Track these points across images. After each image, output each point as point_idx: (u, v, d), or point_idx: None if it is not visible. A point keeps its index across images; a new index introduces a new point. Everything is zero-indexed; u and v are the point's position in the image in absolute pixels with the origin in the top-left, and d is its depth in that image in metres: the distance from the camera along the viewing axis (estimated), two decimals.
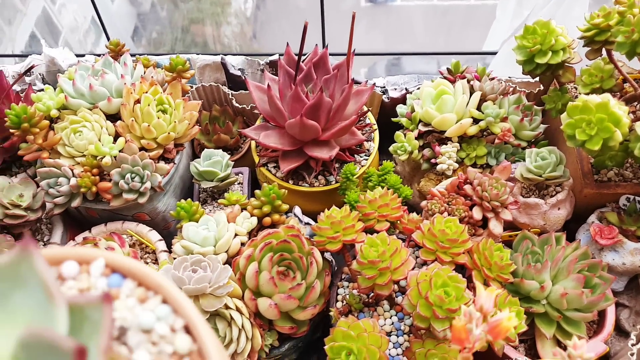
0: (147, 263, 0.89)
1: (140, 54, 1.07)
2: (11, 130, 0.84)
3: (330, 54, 1.59)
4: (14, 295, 0.26)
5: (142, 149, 0.89)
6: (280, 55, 1.14)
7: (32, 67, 0.97)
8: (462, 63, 1.01)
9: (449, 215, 0.78)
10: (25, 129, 0.83)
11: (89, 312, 0.26)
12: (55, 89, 0.95)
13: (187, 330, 0.29)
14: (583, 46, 0.86)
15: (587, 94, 0.83)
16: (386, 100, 1.08)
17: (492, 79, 0.96)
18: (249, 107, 1.09)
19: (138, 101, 0.89)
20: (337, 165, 0.96)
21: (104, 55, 0.99)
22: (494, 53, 1.75)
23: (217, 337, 0.68)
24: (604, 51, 0.84)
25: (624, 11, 0.78)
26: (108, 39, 1.50)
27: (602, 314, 0.79)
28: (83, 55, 1.17)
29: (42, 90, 0.97)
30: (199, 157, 1.01)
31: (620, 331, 0.86)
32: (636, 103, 0.92)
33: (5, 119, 0.84)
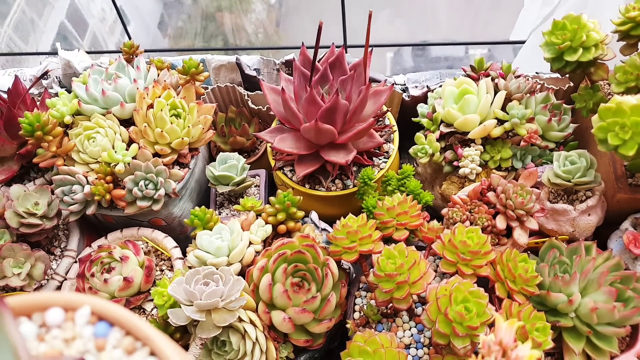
0: (162, 270, 0.88)
1: (160, 50, 1.06)
2: (26, 138, 0.84)
3: (352, 46, 1.56)
4: None
5: (155, 154, 0.88)
6: (297, 51, 1.11)
7: (46, 72, 0.96)
8: (485, 52, 0.96)
9: (471, 224, 0.74)
10: (39, 137, 0.83)
11: None
12: (68, 92, 0.95)
13: None
14: (617, 41, 0.80)
15: (621, 93, 0.78)
16: (407, 98, 1.04)
17: (518, 76, 0.91)
18: (265, 109, 1.06)
19: (151, 106, 0.87)
20: (354, 168, 0.93)
21: (118, 57, 0.98)
22: (522, 42, 1.68)
23: None
24: None
25: None
26: (128, 34, 1.50)
27: (635, 327, 0.74)
28: (104, 52, 1.16)
29: (57, 94, 0.97)
30: (216, 160, 0.99)
31: None
32: None
33: (21, 126, 0.84)
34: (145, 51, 1.02)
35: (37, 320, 0.29)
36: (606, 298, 0.68)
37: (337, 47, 0.91)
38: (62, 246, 0.92)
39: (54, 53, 1.13)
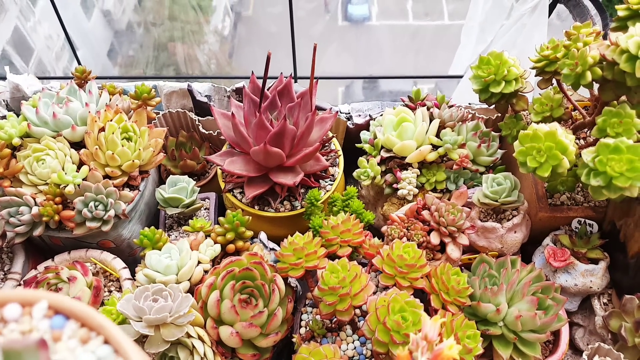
0: (110, 291, 0.88)
1: (111, 77, 1.08)
2: None
3: (301, 77, 1.62)
4: None
5: (106, 176, 0.89)
6: (248, 80, 1.16)
7: None
8: (432, 86, 1.05)
9: (408, 240, 0.80)
10: None
11: (26, 356, 0.26)
12: (19, 116, 0.95)
13: None
14: (535, 76, 0.90)
15: (539, 122, 0.88)
16: (351, 126, 1.11)
17: (451, 106, 0.99)
18: (216, 133, 1.10)
19: (102, 129, 0.89)
20: (302, 190, 0.98)
21: (69, 81, 0.99)
22: (460, 77, 1.81)
23: None
24: (554, 81, 0.89)
25: (570, 45, 0.82)
26: (78, 60, 1.50)
27: (557, 334, 0.81)
28: (53, 78, 1.16)
29: (5, 117, 0.97)
30: (165, 183, 1.01)
31: (576, 350, 0.89)
32: (586, 129, 0.97)
33: None
34: (104, 78, 1.04)
35: None
36: (529, 306, 0.75)
37: (285, 77, 0.97)
38: (5, 269, 0.90)
39: (1, 78, 1.13)
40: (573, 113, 0.93)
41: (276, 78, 0.99)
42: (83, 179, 0.86)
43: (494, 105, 0.93)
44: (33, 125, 0.91)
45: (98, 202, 0.85)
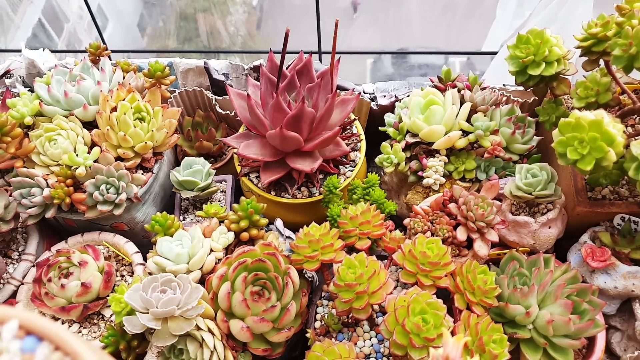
0: (123, 276, 0.86)
1: (139, 51, 1.04)
2: None
3: (325, 53, 1.55)
4: None
5: (118, 158, 0.86)
6: (264, 57, 1.11)
7: (8, 72, 0.94)
8: (463, 59, 0.97)
9: (432, 234, 0.75)
10: None
11: None
12: (31, 92, 0.92)
13: None
14: (580, 56, 0.82)
15: (582, 108, 0.80)
16: (375, 107, 1.05)
17: (484, 88, 0.92)
18: (233, 114, 1.06)
19: (115, 109, 0.86)
20: (320, 176, 0.93)
21: (83, 58, 0.96)
22: (494, 53, 1.71)
23: None
24: (602, 62, 0.81)
25: (623, 22, 0.74)
26: (100, 34, 1.47)
27: (592, 339, 0.75)
28: (68, 52, 1.13)
29: (19, 95, 0.95)
30: (181, 165, 0.97)
31: (611, 354, 0.83)
32: (636, 116, 0.88)
33: None
34: (122, 51, 1.00)
35: None
36: (562, 310, 0.69)
37: (313, 53, 0.91)
38: (19, 250, 0.89)
39: (18, 51, 1.10)
40: (621, 97, 0.85)
41: (298, 54, 0.93)
42: (94, 161, 0.83)
43: (531, 89, 0.85)
44: (45, 104, 0.88)
45: (109, 185, 0.83)
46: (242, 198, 0.83)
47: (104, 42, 1.52)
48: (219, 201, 1.01)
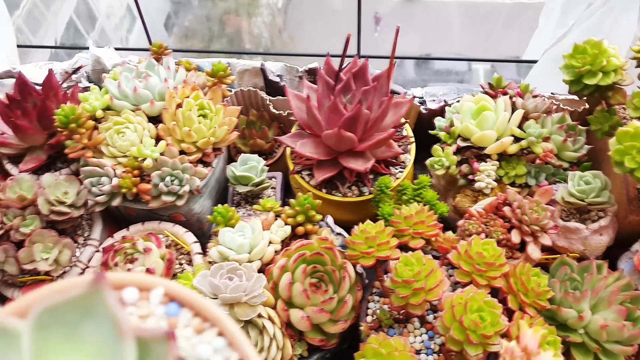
0: (181, 264, 0.91)
1: (183, 50, 1.09)
2: (59, 130, 0.86)
3: (362, 57, 1.58)
4: (83, 326, 0.27)
5: (181, 152, 0.91)
6: (315, 58, 1.14)
7: (80, 68, 0.99)
8: (496, 69, 1.00)
9: (486, 236, 0.77)
10: (73, 129, 0.85)
11: (153, 346, 0.26)
12: (98, 88, 0.97)
13: None
14: (636, 67, 0.84)
15: (637, 118, 0.81)
16: (424, 111, 1.07)
17: (536, 96, 0.94)
18: (286, 114, 1.09)
19: (180, 105, 0.90)
20: (371, 176, 0.96)
21: (147, 56, 1.01)
22: (533, 62, 1.72)
23: None
24: None
25: None
26: (147, 34, 1.53)
27: None
28: (127, 50, 1.19)
29: (87, 88, 1.00)
30: (234, 160, 1.02)
31: None
32: None
33: (54, 117, 0.87)
34: (145, 50, 1.04)
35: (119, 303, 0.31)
36: (616, 316, 0.70)
37: (361, 57, 0.94)
38: (85, 235, 0.94)
39: (82, 48, 1.16)
40: None
41: (338, 56, 0.96)
42: (160, 154, 0.88)
43: (584, 98, 0.87)
44: (115, 99, 0.93)
45: (174, 177, 0.87)
46: (300, 193, 0.86)
47: (149, 40, 1.58)
48: (269, 197, 1.05)
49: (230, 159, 1.13)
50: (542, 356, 0.41)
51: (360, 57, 1.59)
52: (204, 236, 0.97)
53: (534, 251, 0.76)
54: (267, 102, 1.10)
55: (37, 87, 0.96)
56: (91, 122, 0.89)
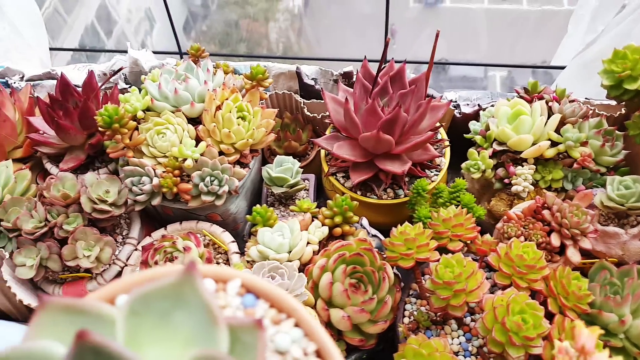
0: (219, 263, 0.92)
1: (219, 55, 1.11)
2: (101, 130, 0.89)
3: (372, 61, 1.59)
4: (175, 314, 0.28)
5: (220, 153, 0.92)
6: (345, 63, 1.15)
7: (120, 69, 1.02)
8: (510, 74, 0.99)
9: (525, 239, 0.77)
10: (115, 129, 0.88)
11: (242, 334, 0.27)
12: (137, 89, 1.00)
13: (319, 354, 0.31)
14: None
15: None
16: (458, 115, 1.08)
17: (572, 101, 0.94)
18: (320, 117, 1.11)
19: (219, 107, 0.92)
20: (407, 179, 0.97)
21: (185, 58, 1.03)
22: (561, 68, 1.71)
23: None
24: None
25: None
26: (176, 37, 1.56)
27: None
28: (165, 53, 1.21)
29: (125, 89, 1.03)
30: (269, 162, 1.03)
31: None
32: None
33: (94, 117, 0.89)
34: (164, 53, 1.07)
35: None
36: None
37: (387, 62, 0.95)
38: (124, 234, 0.96)
39: (122, 51, 1.19)
40: None
41: (359, 61, 0.97)
42: (200, 154, 0.90)
43: (623, 103, 0.87)
44: (155, 100, 0.95)
45: (214, 177, 0.89)
46: (337, 195, 0.87)
47: (178, 46, 1.61)
48: (303, 198, 1.06)
49: (264, 161, 1.14)
50: (598, 356, 0.41)
51: (386, 61, 1.60)
52: (238, 236, 0.98)
53: (573, 255, 0.76)
54: (302, 105, 1.11)
55: (77, 89, 0.99)
56: (133, 123, 0.91)
